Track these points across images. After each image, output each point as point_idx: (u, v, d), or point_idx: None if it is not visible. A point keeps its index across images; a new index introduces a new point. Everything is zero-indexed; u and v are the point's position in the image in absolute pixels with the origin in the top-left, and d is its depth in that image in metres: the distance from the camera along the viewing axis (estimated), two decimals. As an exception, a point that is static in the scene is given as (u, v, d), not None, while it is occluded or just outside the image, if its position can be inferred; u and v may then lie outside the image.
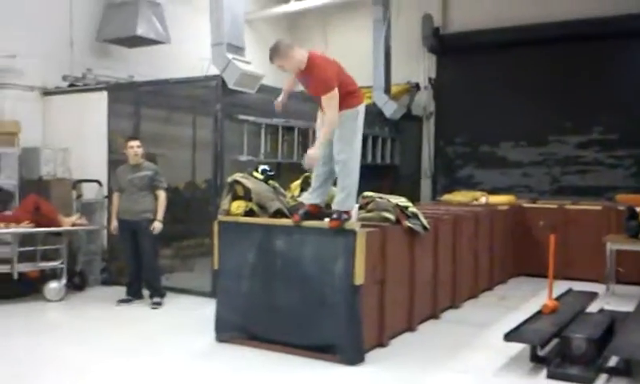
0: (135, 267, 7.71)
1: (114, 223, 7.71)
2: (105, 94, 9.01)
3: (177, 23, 10.78)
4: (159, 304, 7.54)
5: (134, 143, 7.66)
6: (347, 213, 5.51)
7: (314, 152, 5.42)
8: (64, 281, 7.64)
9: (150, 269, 7.67)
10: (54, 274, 7.84)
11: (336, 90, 5.37)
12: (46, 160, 8.72)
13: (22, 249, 7.57)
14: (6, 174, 8.33)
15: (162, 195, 7.65)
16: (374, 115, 12.03)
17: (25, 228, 7.57)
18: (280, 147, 9.46)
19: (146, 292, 7.75)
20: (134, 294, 7.73)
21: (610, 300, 7.83)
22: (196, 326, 6.54)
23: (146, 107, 9.08)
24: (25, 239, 7.67)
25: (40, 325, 6.82)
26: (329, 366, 5.34)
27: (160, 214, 7.58)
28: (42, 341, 6.14)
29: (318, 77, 5.41)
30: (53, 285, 7.73)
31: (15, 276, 7.52)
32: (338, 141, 5.54)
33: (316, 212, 5.70)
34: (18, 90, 9.03)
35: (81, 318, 7.15)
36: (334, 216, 5.48)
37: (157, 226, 7.53)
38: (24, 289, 7.85)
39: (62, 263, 7.72)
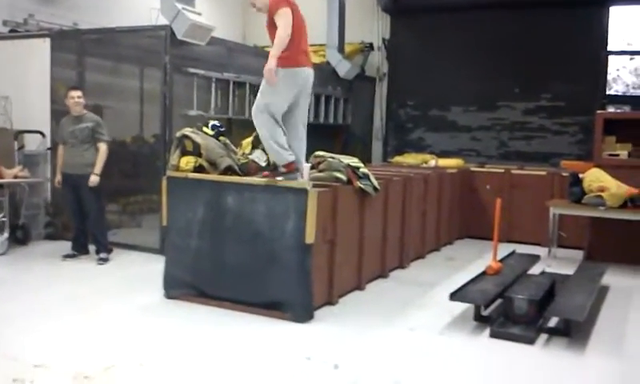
0: (79, 222, 7.53)
1: (58, 177, 7.49)
2: (48, 41, 8.63)
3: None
4: (105, 260, 7.40)
5: (75, 93, 7.37)
6: (285, 166, 5.56)
7: (270, 64, 5.26)
8: (6, 234, 7.39)
9: (95, 224, 7.49)
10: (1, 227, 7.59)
11: (288, 9, 5.39)
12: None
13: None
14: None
15: (102, 148, 7.40)
16: (327, 74, 11.93)
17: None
18: (231, 103, 9.28)
19: (92, 247, 7.58)
20: (79, 249, 7.57)
21: (551, 263, 8.08)
22: (144, 283, 6.46)
23: (91, 56, 8.76)
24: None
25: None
26: (278, 322, 5.36)
27: (98, 168, 7.34)
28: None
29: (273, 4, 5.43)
30: (-1, 237, 7.50)
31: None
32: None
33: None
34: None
35: (24, 272, 6.96)
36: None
37: (93, 180, 7.30)
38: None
39: (3, 216, 7.48)
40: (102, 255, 7.42)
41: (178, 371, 4.29)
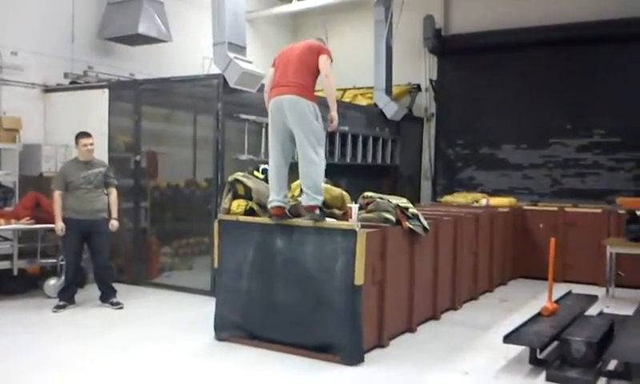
0: (76, 270, 7.41)
1: (60, 223, 7.23)
2: (106, 91, 9.00)
3: (179, 21, 10.77)
4: (121, 304, 7.39)
5: (88, 141, 7.39)
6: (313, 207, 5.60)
7: (335, 114, 5.63)
8: (63, 277, 7.62)
9: (106, 268, 7.53)
10: (53, 271, 7.83)
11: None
12: (46, 157, 8.69)
13: (21, 245, 7.58)
14: (7, 171, 8.30)
15: (114, 192, 7.50)
16: (375, 116, 12.03)
17: (25, 224, 7.58)
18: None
19: (89, 295, 7.60)
20: (68, 299, 7.35)
21: (609, 303, 7.83)
22: (195, 325, 6.53)
23: (146, 105, 9.07)
24: (25, 235, 7.69)
25: (38, 321, 6.80)
26: (328, 366, 5.34)
27: (116, 212, 7.44)
28: (39, 337, 6.14)
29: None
30: (52, 281, 7.72)
31: (15, 272, 7.54)
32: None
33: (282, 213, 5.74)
34: (20, 87, 9.01)
35: (79, 315, 7.14)
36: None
37: (115, 224, 7.40)
38: (23, 285, 7.86)
39: (61, 260, 7.70)
40: (115, 299, 7.42)
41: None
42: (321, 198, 5.63)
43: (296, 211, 5.89)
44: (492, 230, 8.86)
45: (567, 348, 5.21)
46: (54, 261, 7.79)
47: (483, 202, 10.61)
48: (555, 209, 10.04)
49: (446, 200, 11.15)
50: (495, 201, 10.60)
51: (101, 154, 8.77)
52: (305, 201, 5.60)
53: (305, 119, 5.48)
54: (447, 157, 13.39)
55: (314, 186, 5.57)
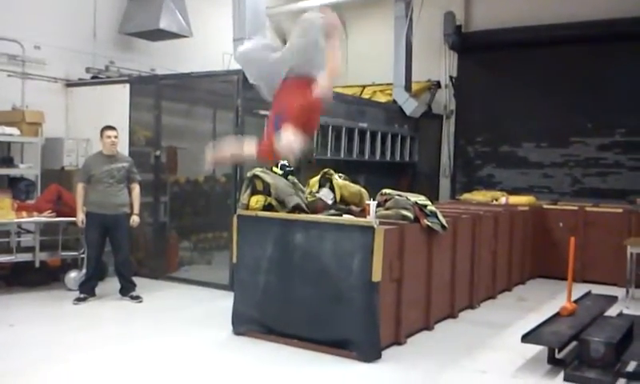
0: (96, 263, 7.44)
1: (82, 216, 7.31)
2: (127, 86, 9.08)
3: (199, 17, 10.82)
4: (140, 298, 7.46)
5: (112, 133, 7.41)
6: None
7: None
8: (84, 270, 7.71)
9: (125, 262, 7.57)
10: (74, 264, 7.92)
11: None
12: (68, 150, 8.82)
13: (43, 238, 7.67)
14: (29, 164, 8.42)
15: (137, 188, 7.52)
16: (394, 112, 12.00)
17: (47, 217, 7.67)
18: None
19: (109, 288, 7.68)
20: (89, 292, 7.40)
21: (629, 304, 7.74)
22: (213, 319, 6.57)
23: (167, 100, 9.13)
24: (46, 228, 7.79)
25: (59, 313, 6.89)
26: (345, 362, 5.35)
27: (138, 208, 7.47)
28: (59, 328, 6.23)
29: None
30: (73, 274, 7.81)
31: (37, 264, 7.64)
32: None
33: None
34: (43, 81, 9.14)
35: (98, 307, 7.22)
36: None
37: (136, 220, 7.44)
38: (45, 277, 7.96)
39: (82, 253, 7.79)
40: (135, 293, 7.48)
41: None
42: None
43: (315, 208, 5.90)
44: (511, 229, 8.80)
45: (586, 348, 5.17)
46: (76, 254, 7.87)
47: (502, 200, 10.53)
48: (575, 208, 9.94)
49: (465, 198, 11.09)
50: (515, 199, 10.51)
51: (122, 148, 8.86)
52: None
53: None
54: (466, 154, 13.32)
55: None
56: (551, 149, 12.31)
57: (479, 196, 10.92)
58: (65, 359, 5.29)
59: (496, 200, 10.57)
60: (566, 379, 5.01)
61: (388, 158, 11.49)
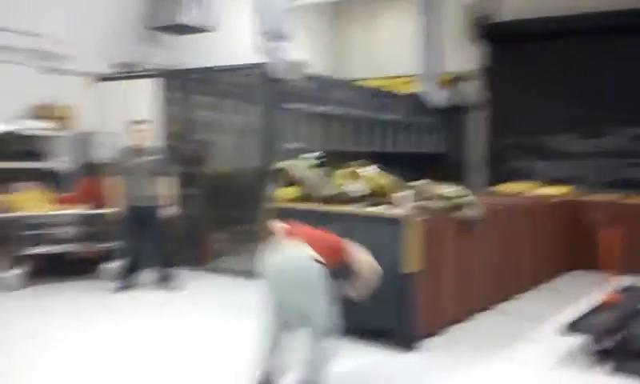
0: (133, 254, 7.53)
1: (117, 208, 7.46)
2: (155, 80, 9.09)
3: (225, 10, 10.82)
4: (176, 288, 7.53)
5: (140, 126, 7.47)
6: None
7: None
8: (121, 262, 7.74)
9: (163, 253, 7.63)
10: (111, 255, 7.95)
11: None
12: (99, 144, 8.90)
13: (80, 229, 7.79)
14: (60, 157, 8.48)
15: (169, 180, 7.55)
16: (421, 104, 11.86)
17: (81, 210, 7.73)
18: (326, 135, 9.42)
19: (145, 279, 7.71)
20: (125, 283, 7.52)
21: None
22: (249, 307, 6.52)
23: (195, 94, 9.16)
24: (83, 220, 7.89)
25: (96, 304, 6.96)
26: (381, 351, 5.32)
27: (170, 199, 7.49)
28: (97, 319, 6.31)
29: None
30: (110, 265, 7.86)
31: (73, 256, 7.76)
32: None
33: None
34: (73, 76, 9.19)
35: (135, 298, 7.28)
36: None
37: (169, 212, 7.46)
38: (82, 269, 8.02)
39: (118, 245, 7.81)
40: (172, 283, 7.56)
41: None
42: None
43: (342, 200, 5.80)
44: (546, 220, 8.60)
45: (631, 339, 5.00)
46: (112, 245, 7.90)
47: (536, 191, 10.32)
48: (612, 199, 9.69)
49: (498, 189, 10.89)
50: (548, 190, 10.28)
51: (152, 141, 8.90)
52: None
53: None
54: (497, 145, 13.11)
55: None
56: (585, 139, 12.08)
57: (512, 187, 10.71)
58: (101, 347, 5.36)
59: (529, 191, 10.35)
60: (613, 371, 4.85)
61: (418, 149, 11.37)
